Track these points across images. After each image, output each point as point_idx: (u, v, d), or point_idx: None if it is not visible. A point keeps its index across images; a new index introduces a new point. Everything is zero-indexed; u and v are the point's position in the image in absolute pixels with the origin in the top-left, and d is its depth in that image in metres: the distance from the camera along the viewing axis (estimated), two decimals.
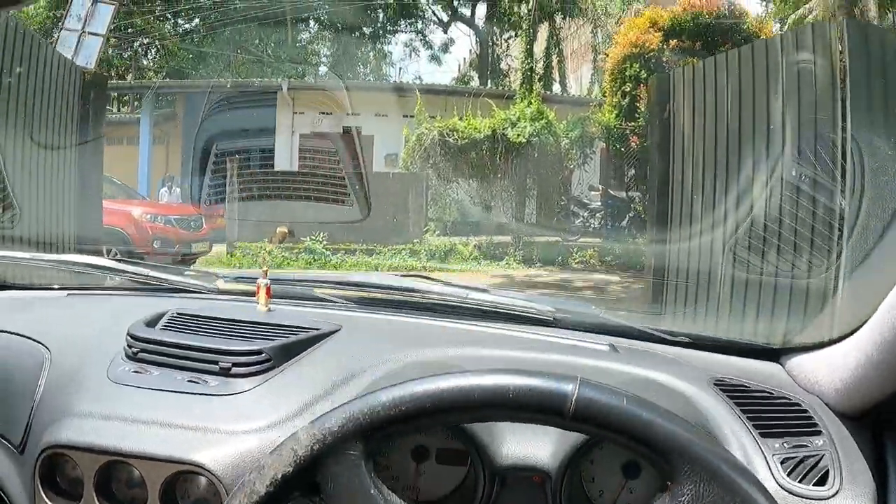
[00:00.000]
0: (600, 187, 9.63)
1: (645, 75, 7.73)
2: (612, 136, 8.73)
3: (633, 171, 8.95)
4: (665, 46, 7.74)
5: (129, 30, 14.01)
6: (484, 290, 1.24)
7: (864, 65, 2.73)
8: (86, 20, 6.74)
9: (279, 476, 0.60)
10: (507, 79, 13.61)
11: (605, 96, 9.37)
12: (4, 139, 2.75)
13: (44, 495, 0.87)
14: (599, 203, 9.61)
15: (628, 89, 8.14)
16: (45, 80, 3.12)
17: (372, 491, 0.60)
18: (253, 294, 1.21)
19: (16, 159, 2.75)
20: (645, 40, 7.89)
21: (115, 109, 14.71)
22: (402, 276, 1.34)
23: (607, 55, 8.97)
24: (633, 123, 8.18)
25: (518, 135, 9.00)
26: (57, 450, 0.86)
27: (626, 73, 8.12)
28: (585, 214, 9.67)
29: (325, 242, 8.77)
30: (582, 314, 1.16)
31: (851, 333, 0.82)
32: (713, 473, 0.54)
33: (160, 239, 8.10)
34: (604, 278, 8.00)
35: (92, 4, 6.77)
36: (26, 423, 0.95)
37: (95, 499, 0.85)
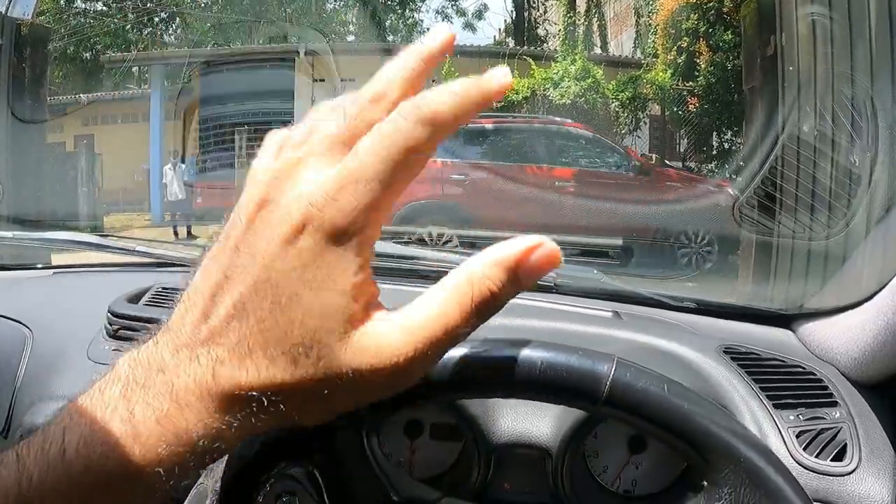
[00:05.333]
0: (653, 157, 9.27)
1: (704, 27, 7.47)
2: (667, 97, 8.50)
3: (691, 138, 8.68)
4: None
5: (148, 3, 14.35)
6: None
7: None
8: None
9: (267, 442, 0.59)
10: (546, 44, 13.34)
11: (656, 55, 9.03)
12: None
13: None
14: None
15: (685, 45, 7.89)
16: None
17: (368, 454, 0.60)
18: None
19: None
20: None
21: (133, 86, 15.16)
22: (401, 243, 1.35)
23: (660, 6, 8.68)
24: (691, 83, 7.94)
25: (562, 95, 8.66)
26: None
27: (682, 27, 7.84)
28: None
29: None
30: (584, 279, 1.15)
31: (870, 298, 0.80)
32: (759, 479, 0.50)
33: None
34: None
35: None
36: (9, 405, 0.99)
37: None
